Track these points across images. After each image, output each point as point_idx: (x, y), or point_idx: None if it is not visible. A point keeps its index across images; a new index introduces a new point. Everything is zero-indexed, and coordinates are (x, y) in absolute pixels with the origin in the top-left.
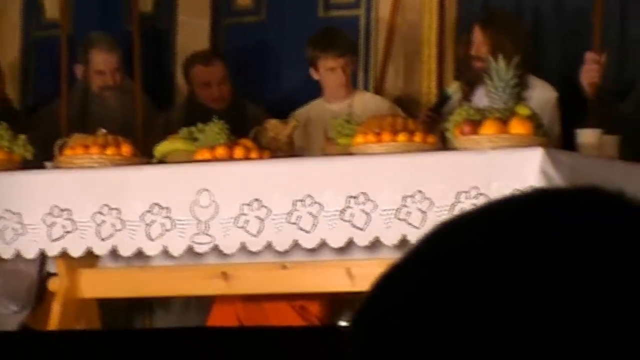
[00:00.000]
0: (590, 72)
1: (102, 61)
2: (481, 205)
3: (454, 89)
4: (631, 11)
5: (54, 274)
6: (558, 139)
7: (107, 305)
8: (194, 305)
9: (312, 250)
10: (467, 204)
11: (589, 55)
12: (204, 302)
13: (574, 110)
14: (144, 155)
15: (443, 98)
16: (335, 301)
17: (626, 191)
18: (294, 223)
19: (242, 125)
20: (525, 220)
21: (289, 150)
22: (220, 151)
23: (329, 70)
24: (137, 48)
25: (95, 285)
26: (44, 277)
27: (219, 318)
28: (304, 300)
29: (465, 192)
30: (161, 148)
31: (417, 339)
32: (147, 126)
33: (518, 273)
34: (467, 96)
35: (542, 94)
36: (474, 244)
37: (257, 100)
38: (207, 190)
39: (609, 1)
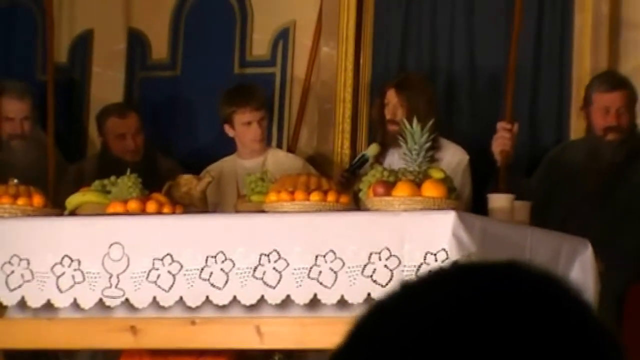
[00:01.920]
0: (500, 140)
1: (12, 108)
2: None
3: (372, 151)
4: (544, 81)
5: None
6: (469, 201)
7: (12, 357)
8: (100, 358)
9: (222, 307)
10: (379, 265)
11: (500, 124)
12: (111, 355)
13: (484, 174)
14: (55, 206)
15: (361, 160)
16: (243, 358)
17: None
18: (205, 279)
19: (155, 178)
20: (449, 291)
21: (202, 205)
22: (133, 205)
23: (245, 125)
24: (50, 98)
25: (2, 336)
26: None
27: None
28: (212, 357)
29: (377, 253)
30: (73, 200)
31: None
32: (57, 177)
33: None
34: (380, 158)
35: (454, 157)
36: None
37: (170, 154)
38: (118, 243)
39: (522, 70)
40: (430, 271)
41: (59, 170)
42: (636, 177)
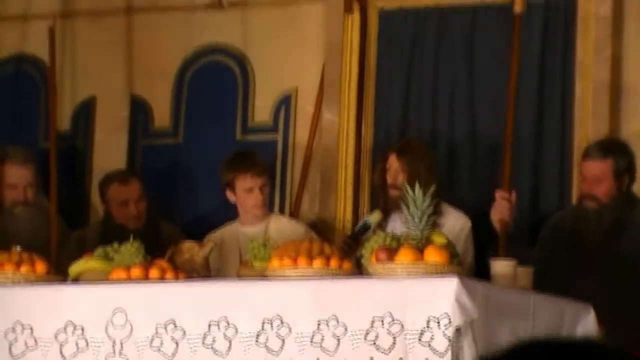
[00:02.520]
0: (499, 209)
1: (15, 175)
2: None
3: (375, 218)
4: (545, 147)
5: None
6: (471, 266)
7: None
8: None
9: None
10: (381, 331)
11: (498, 193)
12: None
13: (486, 240)
14: (58, 273)
15: (364, 227)
16: None
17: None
18: (208, 345)
19: (157, 245)
20: None
21: (204, 271)
22: (136, 271)
23: (246, 191)
24: (53, 165)
25: None
26: None
27: None
28: None
29: (380, 318)
30: (76, 267)
31: None
32: (60, 244)
33: None
34: (382, 223)
35: (456, 222)
36: None
37: (172, 220)
38: (122, 310)
39: (523, 137)
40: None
41: (62, 237)
42: (624, 245)
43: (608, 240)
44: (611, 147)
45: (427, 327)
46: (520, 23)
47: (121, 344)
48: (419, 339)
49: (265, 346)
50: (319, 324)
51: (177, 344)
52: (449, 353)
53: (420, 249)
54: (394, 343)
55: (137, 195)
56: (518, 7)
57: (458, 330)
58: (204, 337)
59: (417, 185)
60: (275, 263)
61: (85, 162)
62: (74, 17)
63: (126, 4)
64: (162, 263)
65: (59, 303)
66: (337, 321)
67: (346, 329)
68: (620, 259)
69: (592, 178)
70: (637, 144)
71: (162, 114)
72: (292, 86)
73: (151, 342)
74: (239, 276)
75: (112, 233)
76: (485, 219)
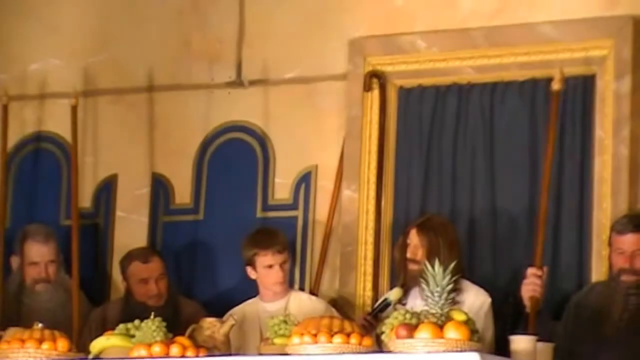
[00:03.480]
0: (530, 286)
1: (36, 252)
2: None
3: (395, 295)
4: (564, 225)
5: None
6: (491, 343)
7: None
8: None
9: None
10: None
11: (530, 270)
12: None
13: (505, 316)
14: (80, 350)
15: (383, 304)
16: None
17: None
18: None
19: (178, 322)
20: None
21: (225, 349)
22: (157, 348)
23: (267, 268)
24: (75, 243)
25: None
26: None
27: None
28: None
29: None
30: (97, 344)
31: None
32: (82, 321)
33: None
34: (401, 299)
35: (476, 299)
36: None
37: (193, 297)
38: None
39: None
40: None
41: (84, 314)
42: None
43: (634, 317)
44: None
45: None
46: (558, 100)
47: None
48: None
49: None
50: None
51: None
52: None
53: (440, 326)
54: None
55: (158, 274)
56: (557, 85)
57: None
58: None
59: (437, 262)
60: (295, 340)
61: (107, 240)
62: (96, 94)
63: (147, 82)
64: (183, 340)
65: None
66: None
67: None
68: None
69: (630, 252)
70: None
71: (182, 191)
72: (312, 163)
73: None
74: (260, 353)
75: (133, 310)
76: (505, 296)
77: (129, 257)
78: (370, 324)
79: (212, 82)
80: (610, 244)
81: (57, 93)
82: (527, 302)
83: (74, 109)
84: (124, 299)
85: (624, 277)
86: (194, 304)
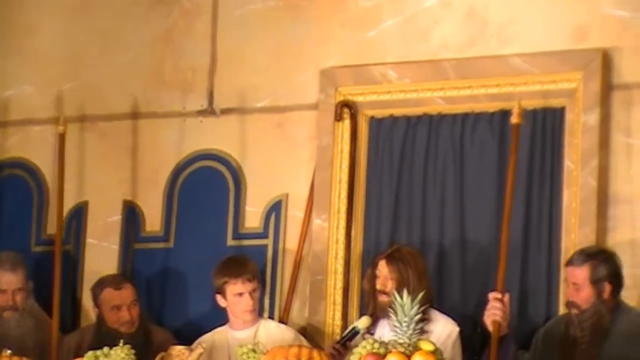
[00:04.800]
0: (492, 311)
1: (4, 280)
2: None
3: (364, 323)
4: (533, 254)
5: None
6: None
7: None
8: None
9: None
10: None
11: (492, 295)
12: None
13: (474, 346)
14: None
15: (352, 332)
16: None
17: None
18: None
19: (149, 349)
20: None
21: None
22: None
23: (237, 296)
24: (57, 270)
25: None
26: None
27: None
28: None
29: None
30: None
31: None
32: (46, 344)
33: None
34: (370, 329)
35: (444, 329)
36: None
37: (163, 324)
38: None
39: (512, 244)
40: None
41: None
42: (606, 354)
43: (590, 347)
44: (592, 254)
45: None
46: (517, 133)
47: None
48: None
49: None
50: None
51: None
52: None
53: (408, 355)
54: None
55: (130, 300)
56: (516, 119)
57: None
58: None
59: (405, 292)
60: None
61: (77, 267)
62: (68, 122)
63: (120, 110)
64: None
65: None
66: None
67: None
68: None
69: (571, 284)
70: (624, 253)
71: (153, 219)
72: (282, 192)
73: None
74: None
75: (105, 337)
76: (474, 326)
77: (102, 284)
78: (338, 352)
79: (184, 110)
80: None
81: (31, 120)
82: (489, 327)
83: (62, 137)
84: (96, 325)
85: (569, 309)
86: (165, 332)
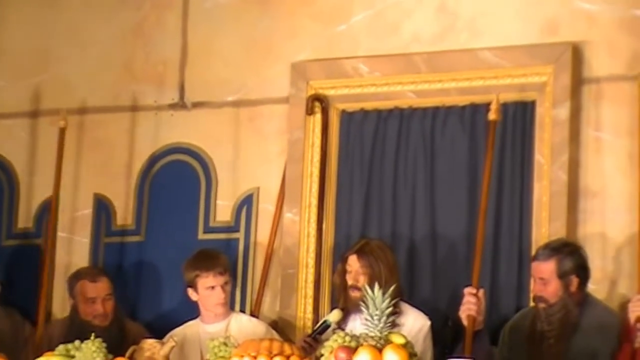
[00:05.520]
0: (466, 305)
1: None
2: None
3: (334, 317)
4: (503, 249)
5: None
6: None
7: None
8: None
9: None
10: None
11: (467, 290)
12: None
13: (445, 340)
14: None
15: (323, 325)
16: None
17: None
18: None
19: (123, 343)
20: None
21: None
22: None
23: (208, 289)
24: (47, 262)
25: None
26: None
27: None
28: None
29: None
30: None
31: None
32: (23, 342)
33: None
34: (342, 323)
35: (415, 322)
36: None
37: (134, 318)
38: None
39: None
40: None
41: (25, 334)
42: (574, 347)
43: (559, 341)
44: (557, 248)
45: None
46: (494, 129)
47: None
48: None
49: None
50: None
51: None
52: None
53: (379, 349)
54: None
55: (105, 294)
56: (493, 115)
57: None
58: None
59: (376, 286)
60: None
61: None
62: (39, 115)
63: (91, 103)
64: None
65: None
66: None
67: None
68: None
69: (538, 279)
70: (594, 246)
71: (124, 213)
72: (254, 186)
73: None
74: None
75: (77, 329)
76: (445, 319)
77: (78, 276)
78: (310, 345)
79: (154, 104)
80: None
81: (1, 114)
82: (464, 321)
83: (62, 131)
84: (70, 316)
85: (537, 304)
86: (139, 326)
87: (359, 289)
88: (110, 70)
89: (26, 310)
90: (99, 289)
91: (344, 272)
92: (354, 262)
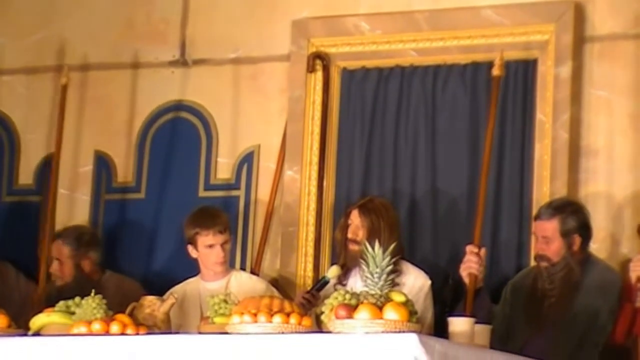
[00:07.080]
0: (467, 263)
1: None
2: None
3: (333, 272)
4: (504, 208)
5: None
6: (431, 324)
7: None
8: None
9: None
10: None
11: (469, 248)
12: None
13: (445, 298)
14: (20, 327)
15: (322, 282)
16: None
17: None
18: None
19: (120, 299)
20: None
21: (165, 327)
22: (97, 326)
23: (208, 247)
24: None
25: None
26: None
27: None
28: None
29: None
30: (37, 321)
31: None
32: (25, 299)
33: None
34: (341, 279)
35: (416, 281)
36: None
37: (134, 275)
38: None
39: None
40: None
41: (25, 291)
42: (576, 306)
43: (560, 300)
44: (560, 206)
45: None
46: (498, 86)
47: None
48: None
49: None
50: None
51: None
52: None
53: (379, 307)
54: None
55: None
56: (497, 70)
57: None
58: None
59: (377, 244)
60: (235, 319)
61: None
62: (39, 72)
63: (92, 60)
64: (123, 318)
65: (18, 357)
66: None
67: None
68: (573, 319)
69: (541, 238)
70: (595, 205)
71: (125, 170)
72: (254, 143)
73: None
74: (200, 332)
75: (82, 285)
76: (446, 277)
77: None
78: (308, 301)
79: (155, 61)
80: None
81: (0, 70)
82: (465, 279)
83: (64, 88)
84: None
85: (538, 263)
86: (134, 282)
87: (357, 242)
88: (112, 27)
89: (26, 267)
90: (55, 249)
91: (346, 226)
92: (355, 217)
